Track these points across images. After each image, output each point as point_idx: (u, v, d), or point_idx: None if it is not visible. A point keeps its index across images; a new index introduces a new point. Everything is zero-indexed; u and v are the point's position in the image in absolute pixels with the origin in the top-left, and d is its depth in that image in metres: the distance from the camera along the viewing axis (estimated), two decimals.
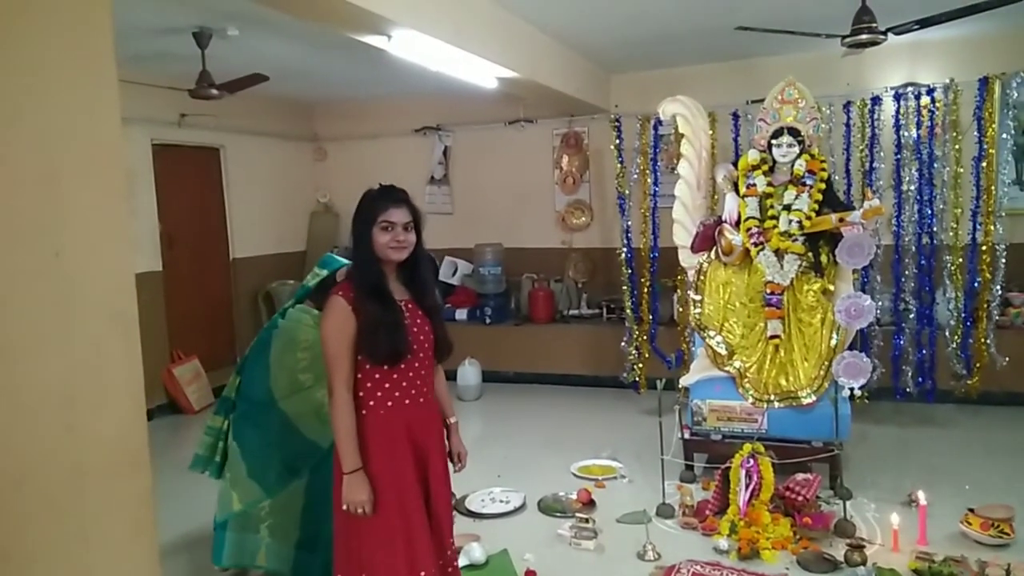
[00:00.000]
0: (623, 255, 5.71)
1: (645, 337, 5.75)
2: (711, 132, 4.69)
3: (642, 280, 5.73)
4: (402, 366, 2.21)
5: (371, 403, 2.19)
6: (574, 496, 3.89)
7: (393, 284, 2.28)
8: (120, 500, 1.94)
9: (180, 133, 6.02)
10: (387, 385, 2.20)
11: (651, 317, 5.73)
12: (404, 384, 2.22)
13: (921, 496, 3.37)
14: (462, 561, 3.02)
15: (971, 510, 3.37)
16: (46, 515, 1.77)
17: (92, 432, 1.87)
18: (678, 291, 5.70)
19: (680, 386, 4.31)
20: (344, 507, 2.13)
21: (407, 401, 2.22)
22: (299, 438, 2.89)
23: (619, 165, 5.68)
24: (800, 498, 3.48)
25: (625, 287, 5.74)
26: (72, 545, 1.83)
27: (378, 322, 2.16)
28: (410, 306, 2.27)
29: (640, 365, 5.76)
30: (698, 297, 4.17)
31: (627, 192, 5.71)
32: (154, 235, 5.84)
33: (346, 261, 3.24)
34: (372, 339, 2.15)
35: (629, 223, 5.70)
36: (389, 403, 2.20)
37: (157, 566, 2.10)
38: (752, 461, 3.52)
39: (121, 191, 1.96)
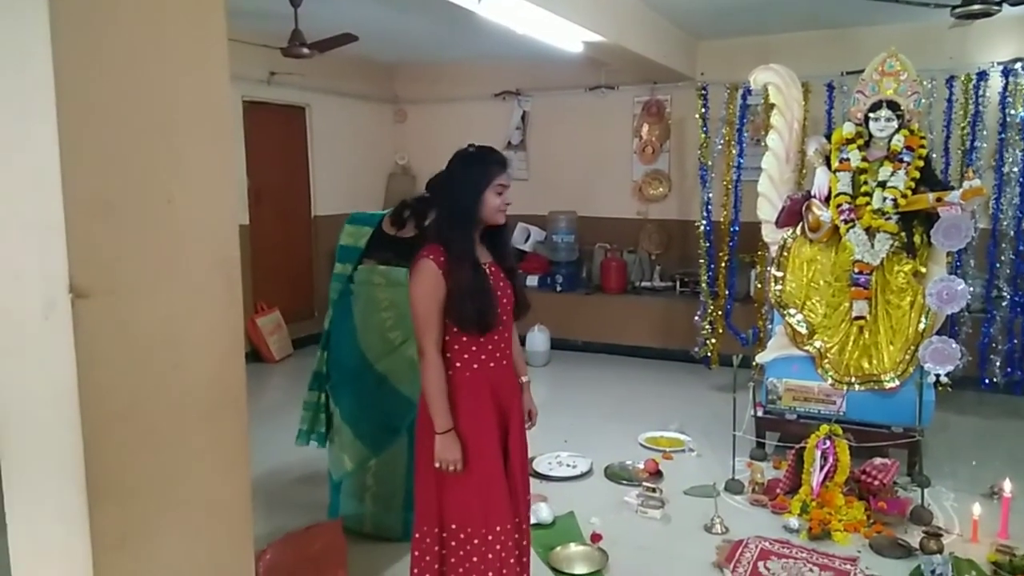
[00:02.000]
0: (702, 228, 5.61)
1: (720, 312, 5.66)
2: (803, 103, 4.53)
3: (720, 254, 5.62)
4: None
5: (458, 364, 2.22)
6: (641, 466, 3.91)
7: (478, 247, 2.27)
8: (218, 438, 2.06)
9: (269, 91, 6.18)
10: (474, 348, 2.22)
11: (727, 292, 5.63)
12: (490, 347, 2.24)
13: (1006, 487, 3.25)
14: (530, 520, 3.08)
15: None
16: (150, 448, 1.88)
17: (196, 371, 1.98)
18: (757, 267, 5.58)
19: (755, 363, 4.25)
20: (437, 465, 2.17)
21: (492, 364, 2.25)
22: (396, 397, 3.02)
23: (703, 135, 5.55)
24: (876, 482, 3.40)
25: (702, 260, 5.65)
26: (174, 479, 1.95)
27: (470, 291, 2.16)
28: (493, 268, 2.28)
29: (713, 340, 5.69)
30: (780, 274, 4.08)
31: (710, 163, 5.58)
32: (242, 190, 6.06)
33: (378, 212, 3.31)
34: (462, 308, 2.16)
35: (710, 195, 5.58)
36: (475, 365, 2.23)
37: (249, 503, 2.22)
38: (828, 442, 3.45)
39: (229, 144, 2.03)
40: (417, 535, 2.27)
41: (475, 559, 2.21)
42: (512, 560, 2.25)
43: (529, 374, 2.52)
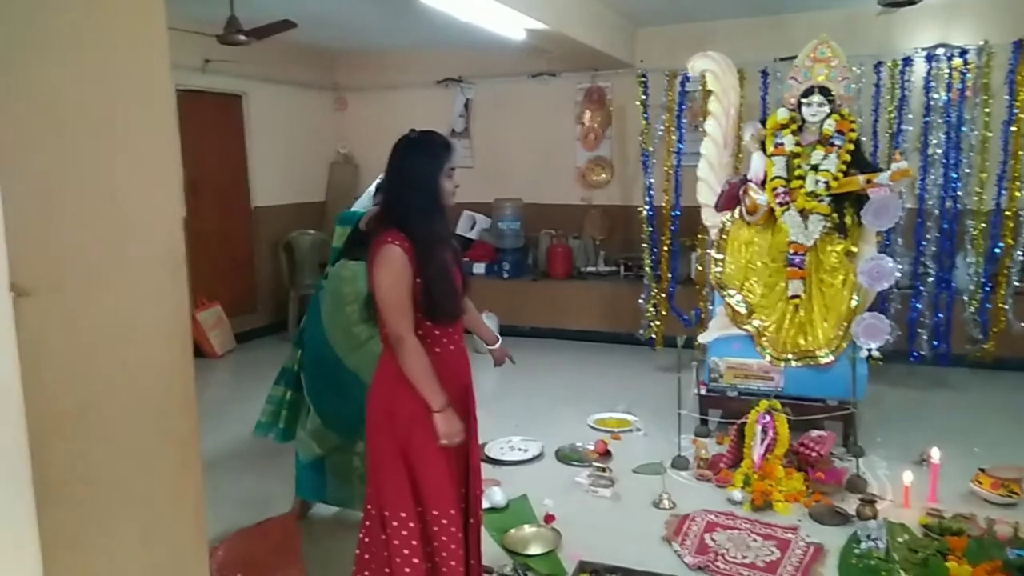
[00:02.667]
0: (644, 213, 5.72)
1: (663, 295, 5.79)
2: (739, 90, 4.65)
3: (662, 238, 5.74)
4: None
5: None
6: (591, 447, 3.99)
7: None
8: (170, 435, 2.02)
9: (204, 79, 6.02)
10: (436, 332, 2.23)
11: (670, 275, 5.76)
12: (450, 331, 2.27)
13: (934, 454, 3.44)
14: (483, 504, 3.12)
15: (982, 470, 3.45)
16: (101, 447, 1.85)
17: (145, 368, 1.94)
18: (697, 250, 5.72)
19: (698, 343, 4.38)
20: (444, 442, 2.15)
21: (452, 347, 2.27)
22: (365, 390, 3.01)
23: (644, 121, 5.65)
24: (814, 454, 3.56)
25: (645, 245, 5.76)
26: (126, 477, 1.92)
27: (443, 281, 2.17)
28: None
29: (657, 323, 5.82)
30: (719, 256, 4.20)
31: (651, 149, 5.69)
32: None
33: (358, 211, 3.29)
34: (437, 296, 2.16)
35: (652, 181, 5.69)
36: (437, 349, 2.23)
37: (202, 500, 2.19)
38: (768, 417, 3.59)
39: (172, 134, 1.99)
40: (395, 523, 2.21)
41: (445, 538, 2.22)
42: (461, 537, 2.26)
43: (475, 365, 2.48)
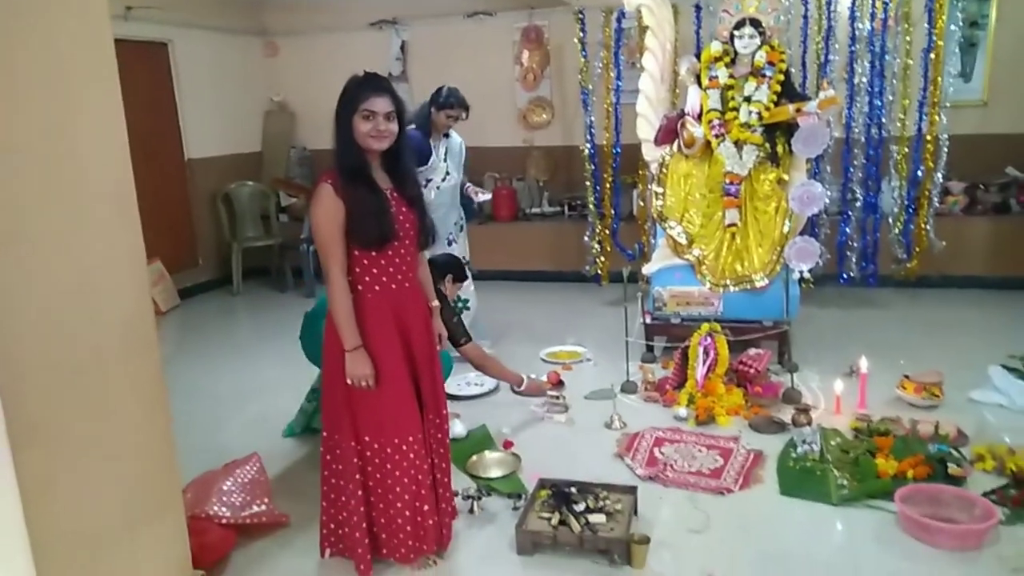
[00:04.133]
0: (587, 151, 5.80)
1: (607, 232, 5.93)
2: (674, 24, 4.72)
3: (604, 176, 5.85)
4: (388, 252, 2.31)
5: (359, 287, 2.32)
6: (544, 378, 4.13)
7: (377, 172, 2.34)
8: (136, 379, 2.07)
9: (127, 27, 5.77)
10: (375, 270, 2.31)
11: (613, 212, 5.89)
12: (391, 269, 2.33)
13: (862, 364, 3.70)
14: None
15: (906, 376, 3.72)
16: (71, 394, 1.88)
17: (109, 316, 1.97)
18: (639, 186, 5.85)
19: (642, 275, 4.53)
20: (349, 381, 2.29)
21: (394, 286, 2.35)
22: None
23: (583, 60, 5.69)
24: (752, 370, 3.78)
25: (588, 184, 5.86)
26: (97, 421, 1.96)
27: (364, 207, 2.24)
28: (394, 195, 2.35)
29: (602, 259, 5.97)
30: (660, 189, 4.33)
31: (590, 88, 5.74)
32: None
33: None
34: (359, 224, 2.24)
35: (592, 119, 5.75)
36: (377, 287, 2.32)
37: (171, 440, 2.26)
38: (709, 339, 3.79)
39: (116, 85, 1.98)
40: (327, 446, 2.43)
41: (388, 467, 2.37)
42: (425, 467, 2.42)
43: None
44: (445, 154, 4.39)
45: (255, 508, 2.74)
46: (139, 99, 6.10)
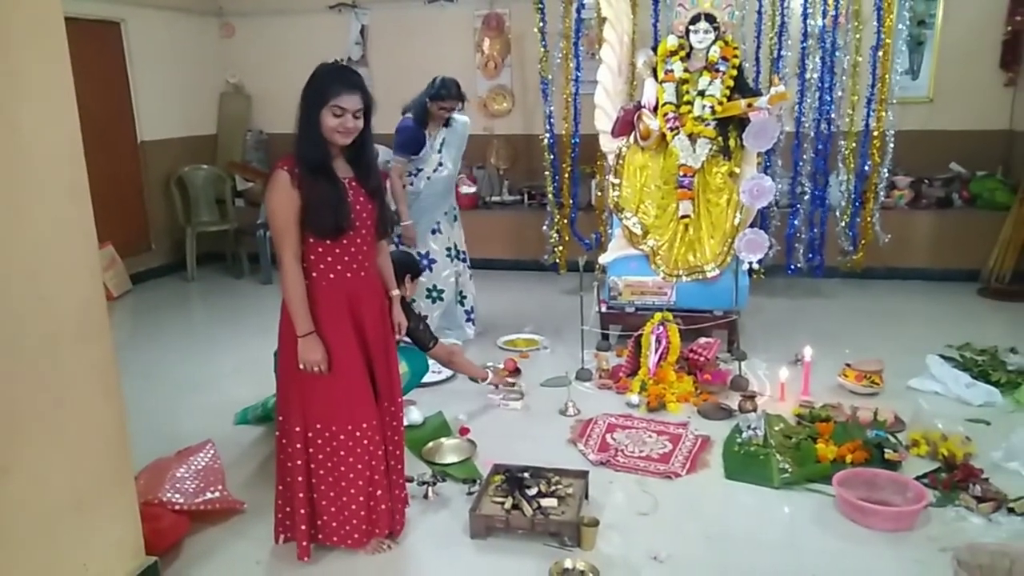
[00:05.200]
0: (546, 141, 5.84)
1: (566, 221, 5.99)
2: (632, 17, 4.78)
3: (563, 166, 5.90)
4: (344, 241, 2.32)
5: (314, 274, 2.33)
6: (501, 366, 4.18)
7: (338, 162, 2.34)
8: (90, 364, 2.06)
9: (77, 5, 5.61)
10: (329, 258, 2.32)
11: (571, 202, 5.96)
12: (346, 258, 2.34)
13: (807, 353, 3.83)
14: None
15: (848, 365, 3.87)
16: (24, 378, 1.87)
17: (61, 301, 1.96)
18: (596, 177, 5.92)
19: (598, 265, 4.61)
20: (300, 366, 2.31)
21: (348, 274, 2.36)
22: None
23: (543, 49, 5.71)
24: (702, 359, 3.89)
25: (547, 173, 5.91)
26: (51, 406, 1.95)
27: (321, 199, 2.24)
28: (354, 184, 2.35)
29: (560, 248, 6.03)
30: (617, 180, 4.40)
31: (550, 77, 5.77)
32: None
33: None
34: (315, 214, 2.25)
35: (551, 109, 5.79)
36: (331, 275, 2.33)
37: (125, 425, 2.25)
38: (662, 328, 3.88)
39: (66, 64, 1.96)
40: (281, 430, 2.44)
41: (342, 453, 2.40)
42: (380, 453, 2.45)
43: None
44: (441, 145, 4.36)
45: (208, 495, 2.74)
46: (90, 79, 5.96)
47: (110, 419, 2.15)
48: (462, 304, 4.69)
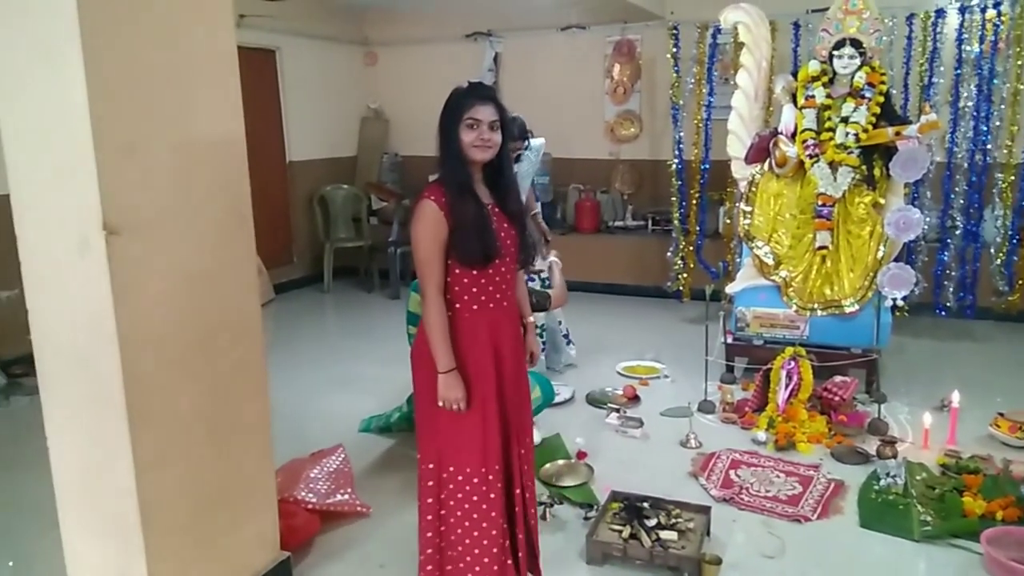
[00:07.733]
0: (674, 167, 5.78)
1: (691, 248, 5.88)
2: (771, 42, 4.66)
3: (691, 192, 5.81)
4: (489, 270, 2.21)
5: (457, 305, 2.22)
6: (620, 392, 4.15)
7: (479, 186, 2.25)
8: (241, 364, 2.22)
9: (239, 34, 6.06)
10: (474, 289, 2.22)
11: (698, 229, 5.85)
12: (490, 288, 2.23)
13: (955, 398, 3.56)
14: None
15: (1001, 414, 3.56)
16: (181, 374, 2.05)
17: (218, 303, 2.13)
18: (726, 204, 5.79)
19: (725, 294, 4.49)
20: (440, 404, 2.19)
21: (491, 305, 2.24)
22: None
23: (674, 74, 5.68)
24: (837, 398, 3.69)
25: (674, 199, 5.84)
26: (204, 402, 2.12)
27: (470, 224, 2.16)
28: (496, 210, 2.26)
29: (684, 275, 5.93)
30: (748, 208, 4.28)
31: (681, 103, 5.72)
32: None
33: None
34: (464, 242, 2.15)
35: (681, 134, 5.73)
36: (475, 306, 2.22)
37: (269, 423, 2.40)
38: (793, 363, 3.72)
39: (236, 89, 2.14)
40: (422, 467, 2.29)
41: (475, 498, 2.24)
42: (501, 501, 2.26)
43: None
44: None
45: (339, 496, 2.87)
46: (250, 104, 6.41)
47: (257, 417, 2.30)
48: (559, 326, 4.69)
